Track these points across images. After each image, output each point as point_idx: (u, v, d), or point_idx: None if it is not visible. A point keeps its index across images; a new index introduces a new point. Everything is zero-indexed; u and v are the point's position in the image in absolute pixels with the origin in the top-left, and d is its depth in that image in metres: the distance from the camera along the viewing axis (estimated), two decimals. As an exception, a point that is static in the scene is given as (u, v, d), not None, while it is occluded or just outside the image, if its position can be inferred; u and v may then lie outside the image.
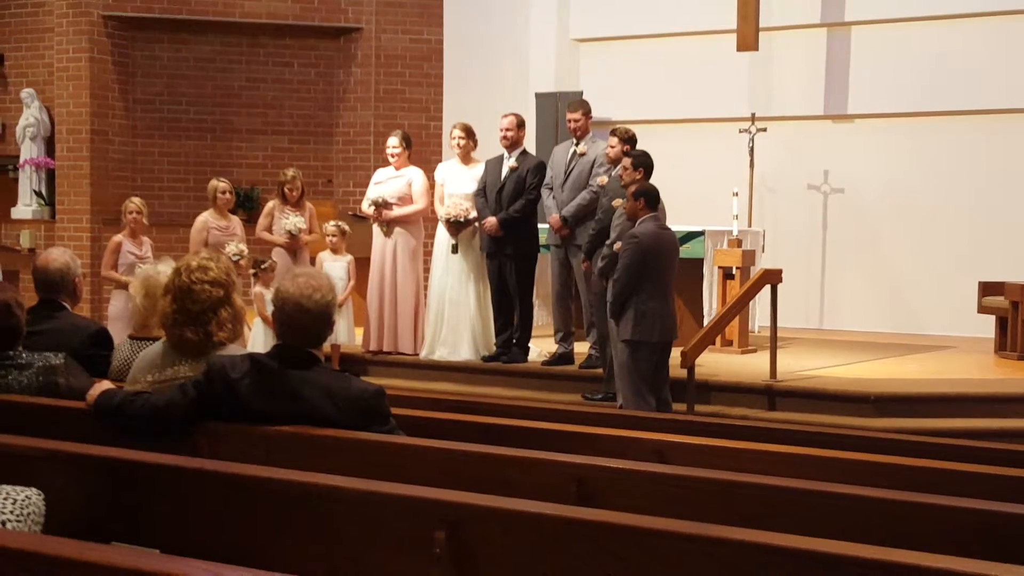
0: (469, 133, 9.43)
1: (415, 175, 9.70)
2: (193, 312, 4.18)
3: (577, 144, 9.16)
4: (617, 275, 7.62)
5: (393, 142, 9.73)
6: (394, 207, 9.61)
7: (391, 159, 9.75)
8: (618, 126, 8.99)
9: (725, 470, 3.58)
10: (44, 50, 13.42)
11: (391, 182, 9.70)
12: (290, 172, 9.83)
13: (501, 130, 9.24)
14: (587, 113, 9.27)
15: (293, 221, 9.59)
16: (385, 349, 9.69)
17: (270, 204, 9.89)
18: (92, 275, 11.70)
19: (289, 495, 3.14)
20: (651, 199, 7.61)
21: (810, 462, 3.86)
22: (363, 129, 13.64)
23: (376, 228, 9.74)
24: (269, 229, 9.75)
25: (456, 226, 9.31)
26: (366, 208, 9.76)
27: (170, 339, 4.26)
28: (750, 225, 11.49)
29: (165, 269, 4.58)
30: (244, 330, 9.35)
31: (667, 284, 7.72)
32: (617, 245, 7.79)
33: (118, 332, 7.14)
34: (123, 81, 13.46)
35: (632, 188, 7.69)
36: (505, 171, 9.20)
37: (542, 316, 10.60)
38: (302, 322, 3.94)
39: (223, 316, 4.22)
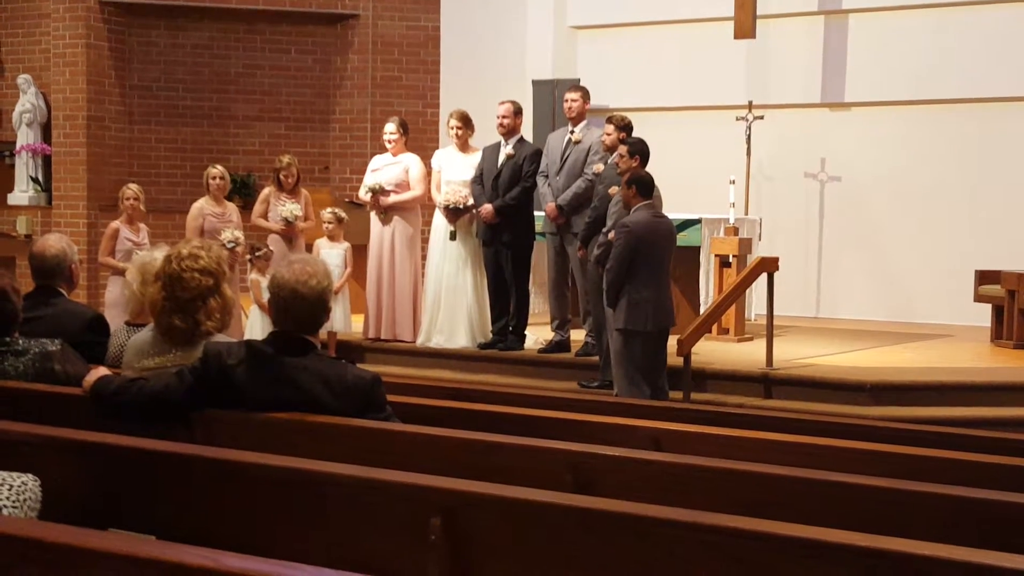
0: (466, 121, 9.42)
1: (412, 161, 9.68)
2: (182, 300, 4.17)
3: (572, 130, 9.15)
4: (609, 264, 7.61)
5: (390, 128, 9.72)
6: (391, 194, 9.60)
7: (388, 145, 9.73)
8: (614, 113, 8.98)
9: (721, 458, 3.58)
10: (40, 36, 13.38)
11: (388, 169, 9.69)
12: (285, 159, 9.82)
13: (498, 117, 9.22)
14: (586, 97, 9.25)
15: (289, 208, 9.58)
16: (383, 336, 9.69)
17: (266, 191, 9.88)
18: (89, 261, 11.69)
19: (285, 482, 3.14)
20: (644, 187, 7.59)
21: (806, 450, 3.87)
22: (360, 116, 13.62)
23: (373, 215, 9.73)
24: (265, 216, 9.74)
25: (454, 213, 9.31)
26: (363, 195, 9.75)
27: (158, 326, 4.25)
28: (747, 213, 11.48)
29: (161, 256, 4.57)
30: (242, 318, 9.39)
31: (662, 272, 7.71)
32: (612, 235, 7.77)
33: (115, 318, 7.13)
34: (120, 67, 13.43)
35: (626, 176, 7.68)
36: (502, 158, 9.18)
37: (538, 304, 10.60)
38: (298, 308, 3.94)
39: (212, 305, 4.22)
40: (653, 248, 7.60)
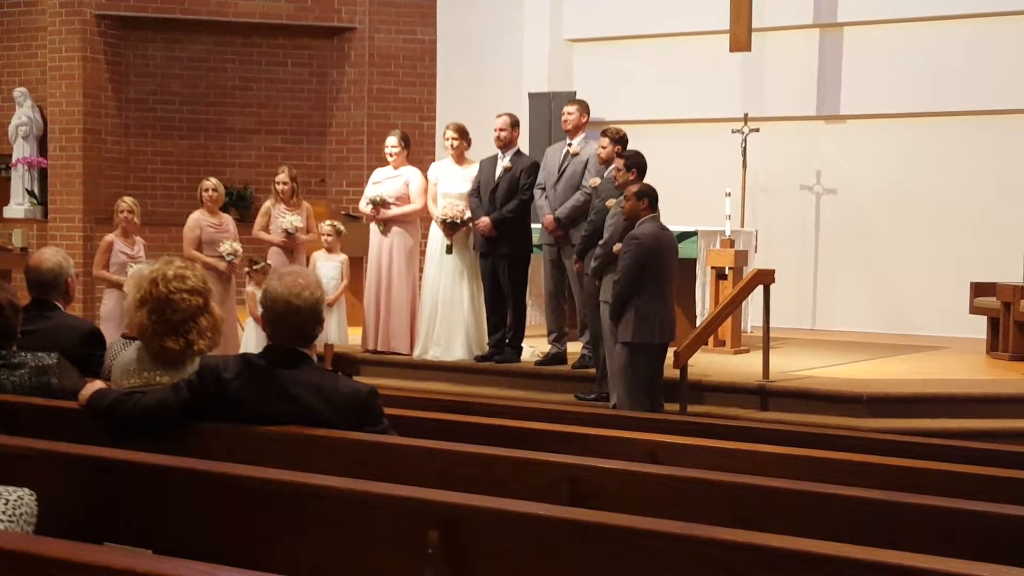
0: (462, 133, 9.43)
1: (412, 175, 9.70)
2: (173, 322, 4.13)
3: (571, 143, 9.16)
4: (618, 276, 7.60)
5: (391, 142, 9.74)
6: (392, 206, 9.62)
7: (389, 159, 9.75)
8: (609, 126, 8.98)
9: (717, 470, 3.58)
10: (37, 49, 13.40)
11: (389, 182, 9.71)
12: (281, 169, 9.86)
13: (495, 130, 9.24)
14: (584, 110, 9.25)
15: (289, 219, 9.58)
16: (381, 348, 9.70)
17: (267, 204, 9.87)
18: (84, 275, 11.69)
19: (282, 495, 3.14)
20: (654, 200, 7.61)
21: (802, 462, 3.87)
22: (356, 129, 13.64)
23: (374, 227, 9.75)
24: (266, 228, 9.74)
25: (452, 227, 9.31)
26: (364, 207, 9.76)
27: (149, 350, 4.20)
28: (743, 225, 11.49)
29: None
30: (238, 331, 9.39)
31: (668, 285, 7.72)
32: (617, 247, 7.76)
33: (110, 332, 7.14)
34: (116, 80, 13.44)
35: (634, 188, 7.67)
36: (499, 171, 9.19)
37: (535, 316, 10.59)
38: (292, 320, 3.94)
39: (203, 324, 4.18)
40: (661, 260, 7.61)
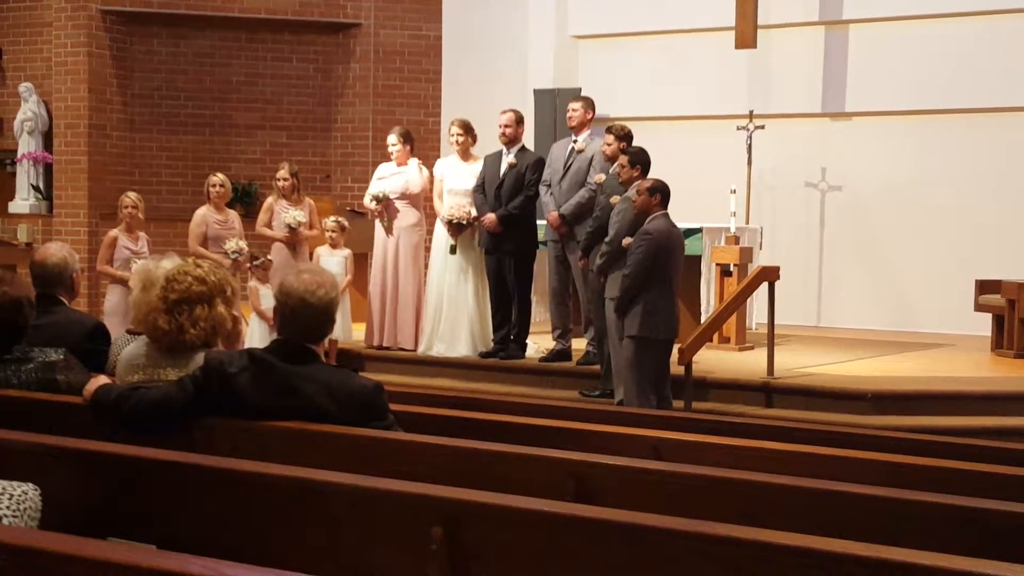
0: (467, 129, 9.43)
1: (411, 168, 9.71)
2: (170, 301, 4.16)
3: (576, 139, 9.16)
4: (628, 271, 7.62)
5: (392, 139, 9.74)
6: (395, 202, 9.63)
7: (392, 156, 9.76)
8: (614, 123, 8.98)
9: (722, 467, 3.58)
10: (42, 44, 13.41)
11: (394, 178, 9.72)
12: (281, 165, 9.86)
13: (500, 126, 9.23)
14: (588, 107, 9.25)
15: (292, 215, 9.58)
16: (386, 344, 9.71)
17: (269, 200, 9.88)
18: (89, 270, 11.71)
19: (286, 491, 3.14)
20: (666, 196, 7.64)
21: (807, 459, 3.87)
22: (361, 125, 13.64)
23: (379, 224, 9.75)
24: (269, 225, 9.74)
25: (457, 227, 9.31)
26: (368, 203, 9.77)
27: (146, 327, 4.24)
28: (748, 222, 11.48)
29: (167, 264, 4.55)
30: (244, 331, 9.38)
31: (675, 281, 7.76)
32: (627, 241, 7.78)
33: (114, 327, 7.14)
34: (121, 75, 13.45)
35: (647, 184, 7.69)
36: (504, 167, 9.19)
37: (540, 312, 10.59)
38: (305, 317, 3.94)
39: (198, 313, 4.17)
40: (670, 256, 7.65)
